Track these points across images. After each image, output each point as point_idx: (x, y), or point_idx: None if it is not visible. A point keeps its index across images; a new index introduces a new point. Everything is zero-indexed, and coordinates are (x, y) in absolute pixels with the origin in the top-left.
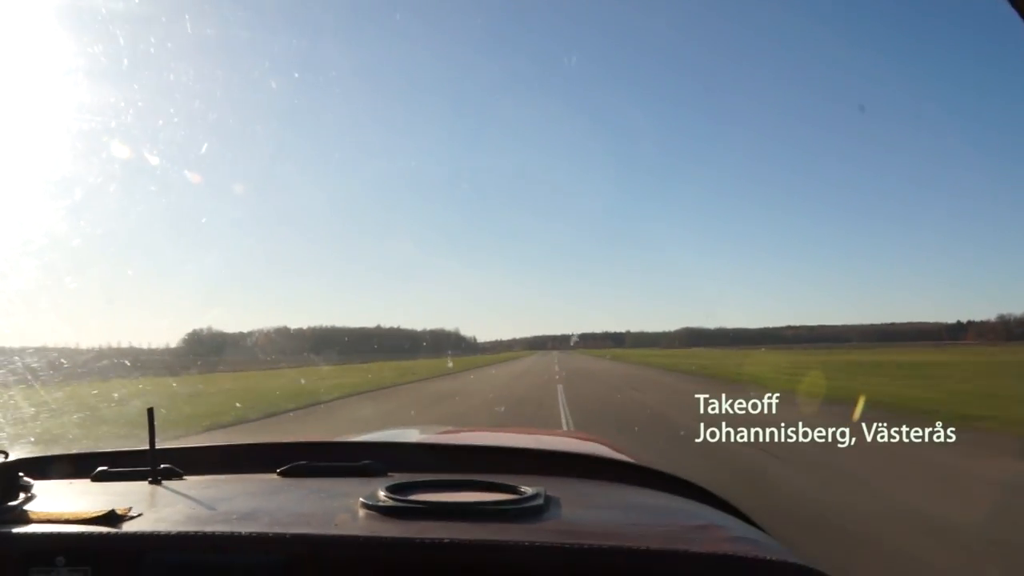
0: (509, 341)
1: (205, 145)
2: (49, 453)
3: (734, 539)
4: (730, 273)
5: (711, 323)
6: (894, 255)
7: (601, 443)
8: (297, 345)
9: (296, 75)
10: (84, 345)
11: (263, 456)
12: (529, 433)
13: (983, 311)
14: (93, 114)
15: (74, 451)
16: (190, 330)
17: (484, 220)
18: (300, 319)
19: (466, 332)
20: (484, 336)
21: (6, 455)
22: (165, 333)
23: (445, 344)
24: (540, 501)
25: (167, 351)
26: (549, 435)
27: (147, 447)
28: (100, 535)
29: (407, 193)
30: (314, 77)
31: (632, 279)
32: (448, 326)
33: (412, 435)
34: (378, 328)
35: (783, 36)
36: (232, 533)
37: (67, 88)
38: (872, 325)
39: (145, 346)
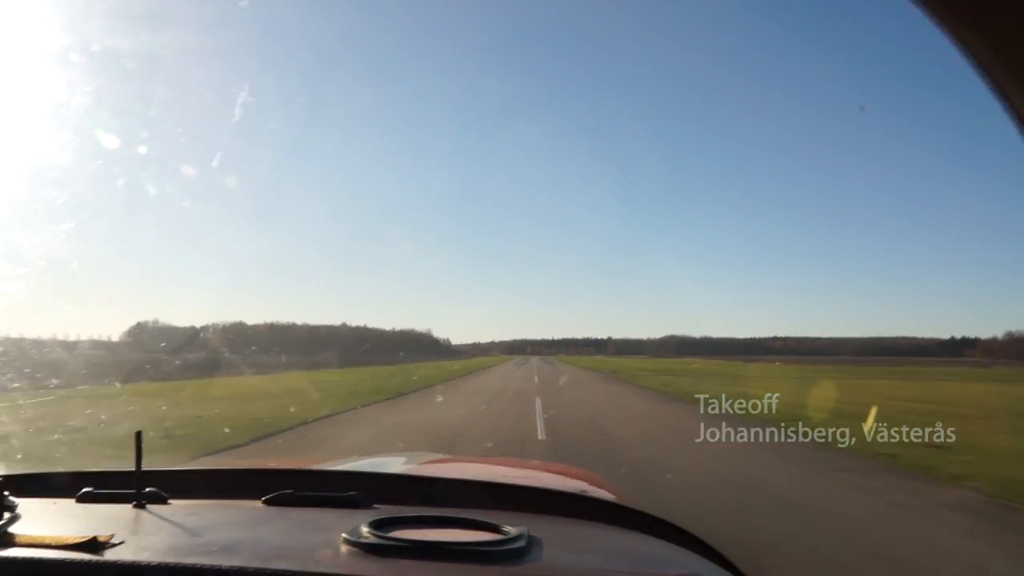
0: (486, 344)
1: (165, 133)
2: (35, 471)
3: None
4: (718, 280)
5: (697, 331)
6: (889, 266)
7: (587, 478)
8: (253, 343)
9: (276, 66)
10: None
11: (248, 482)
12: (516, 466)
13: (984, 327)
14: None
15: (59, 470)
16: (134, 323)
17: (463, 219)
18: (257, 314)
19: (439, 334)
20: (459, 338)
21: None
22: (107, 325)
23: (416, 346)
24: (522, 543)
25: (108, 344)
26: (536, 468)
27: (134, 468)
28: (82, 563)
29: (380, 187)
30: (298, 69)
31: (616, 284)
32: (420, 327)
33: (398, 464)
34: (343, 327)
35: (774, 47)
36: (212, 567)
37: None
38: (865, 339)
39: (83, 337)
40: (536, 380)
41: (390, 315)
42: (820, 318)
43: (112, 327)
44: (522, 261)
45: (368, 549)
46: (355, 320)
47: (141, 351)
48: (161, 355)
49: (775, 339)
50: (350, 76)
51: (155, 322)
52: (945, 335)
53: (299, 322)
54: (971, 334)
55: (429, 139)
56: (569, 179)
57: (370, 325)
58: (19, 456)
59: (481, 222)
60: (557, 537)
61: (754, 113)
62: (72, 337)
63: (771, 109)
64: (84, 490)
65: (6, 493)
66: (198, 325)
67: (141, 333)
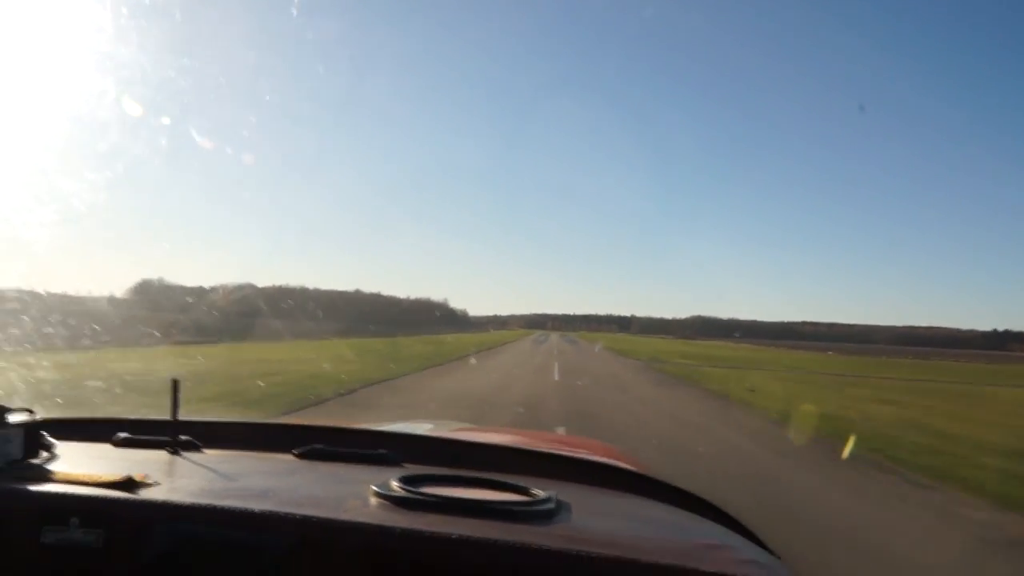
0: (506, 317)
1: (182, 94)
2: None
3: (744, 562)
4: (747, 262)
5: (724, 313)
6: (926, 253)
7: (618, 453)
8: (261, 307)
9: (311, 37)
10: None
11: (281, 436)
12: (546, 438)
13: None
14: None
15: (98, 415)
16: (139, 280)
17: (487, 189)
18: (267, 276)
19: (457, 304)
20: (477, 310)
21: (32, 413)
22: (109, 282)
23: (430, 316)
24: (551, 505)
25: (111, 300)
26: (565, 440)
27: (169, 418)
28: (116, 500)
29: (403, 152)
30: (325, 36)
31: (642, 261)
32: (436, 296)
33: (427, 429)
34: (357, 293)
35: (811, 32)
36: (245, 509)
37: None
38: (900, 327)
39: (85, 293)
40: (556, 376)
41: (406, 283)
42: (852, 304)
43: (114, 284)
44: (546, 233)
45: (397, 502)
46: (369, 286)
47: (146, 310)
48: (169, 315)
49: (805, 324)
50: (378, 43)
51: (160, 280)
52: (987, 326)
53: (310, 286)
54: (1016, 327)
55: (455, 108)
56: (598, 152)
57: (385, 292)
58: None
59: (505, 192)
60: (584, 502)
61: (788, 94)
62: (82, 293)
63: (805, 91)
64: (121, 435)
65: (44, 433)
66: (207, 286)
67: (146, 291)
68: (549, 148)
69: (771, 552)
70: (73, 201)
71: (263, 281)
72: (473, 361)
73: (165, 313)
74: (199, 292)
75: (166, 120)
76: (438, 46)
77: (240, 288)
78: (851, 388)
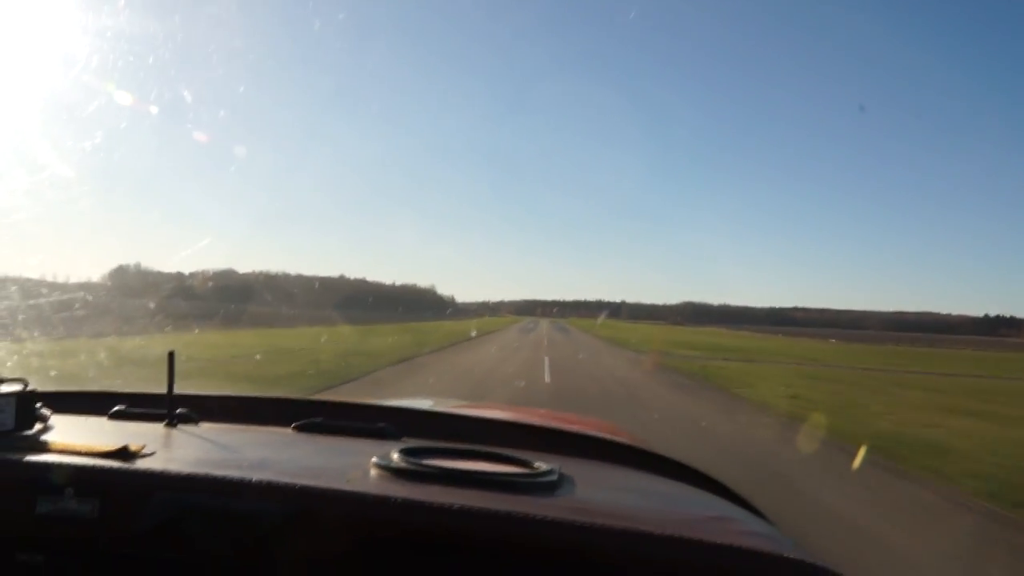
0: (496, 303)
1: (159, 78)
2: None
3: (748, 533)
4: (738, 247)
5: (715, 299)
6: (915, 240)
7: (614, 428)
8: (244, 292)
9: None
10: None
11: (280, 410)
12: (548, 416)
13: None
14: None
15: (93, 389)
16: (115, 266)
17: (474, 172)
18: (248, 262)
19: (444, 290)
20: (466, 296)
21: (26, 384)
22: (87, 267)
23: (417, 303)
24: (554, 477)
25: (86, 286)
26: (565, 418)
27: (166, 391)
28: (111, 469)
29: (385, 132)
30: (311, 24)
31: (632, 246)
32: (422, 282)
33: (428, 405)
34: (341, 279)
35: (806, 19)
36: (242, 479)
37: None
38: (889, 312)
39: (61, 279)
40: (547, 377)
41: (394, 269)
42: (842, 290)
43: (89, 271)
44: (536, 220)
45: (398, 473)
46: (353, 272)
47: (123, 296)
48: (146, 302)
49: (796, 310)
50: (362, 24)
51: (137, 266)
52: (976, 312)
53: (292, 271)
54: (1008, 312)
55: (442, 88)
56: (590, 138)
57: (370, 278)
58: None
59: (493, 176)
60: (587, 475)
61: (777, 81)
62: (60, 279)
63: (797, 76)
64: (116, 408)
65: (38, 405)
66: (186, 271)
67: (122, 277)
68: (541, 133)
69: (773, 525)
70: (47, 188)
71: (244, 267)
72: (450, 353)
73: (141, 300)
74: (178, 278)
75: (145, 106)
76: (423, 25)
77: (221, 274)
78: (900, 390)
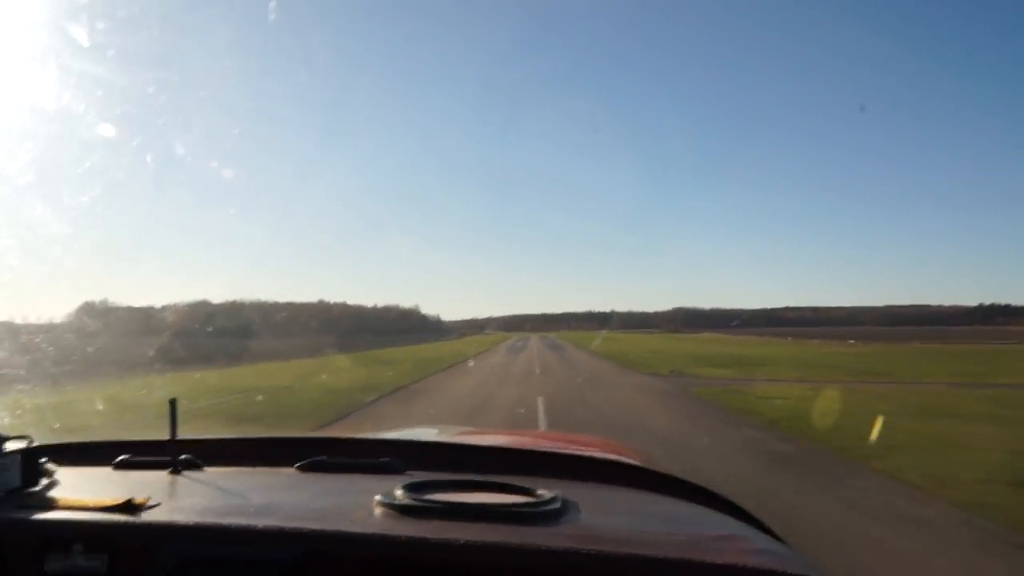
0: (484, 320)
1: (122, 106)
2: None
3: (758, 551)
4: (726, 249)
5: (706, 303)
6: (904, 230)
7: (622, 449)
8: (215, 324)
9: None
10: None
11: (283, 450)
12: (549, 437)
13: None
14: None
15: (96, 439)
16: (81, 303)
17: (455, 186)
18: (222, 291)
19: (429, 309)
20: (452, 314)
21: (30, 440)
22: (52, 307)
23: (401, 324)
24: (557, 505)
25: (49, 327)
26: (569, 439)
27: (168, 438)
28: (118, 523)
29: (361, 149)
30: (286, 42)
31: (619, 255)
32: (405, 302)
33: (430, 434)
34: (320, 304)
35: (793, 24)
36: (249, 526)
37: None
38: (881, 307)
39: (24, 320)
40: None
41: (376, 290)
42: (833, 286)
43: (53, 311)
44: (519, 232)
45: (403, 511)
46: (333, 296)
47: (90, 335)
48: (116, 339)
49: (788, 309)
50: (338, 40)
51: (104, 302)
52: (970, 301)
53: (267, 299)
54: (1001, 300)
55: (422, 98)
56: (571, 143)
57: (350, 301)
58: None
59: (475, 191)
60: (591, 501)
61: (766, 84)
62: (28, 320)
63: (781, 81)
64: (120, 457)
65: (43, 460)
66: (157, 305)
67: (89, 314)
68: (522, 146)
69: (782, 541)
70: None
71: (217, 297)
72: (402, 402)
73: (112, 338)
74: (148, 312)
75: (106, 134)
76: (398, 39)
77: (194, 306)
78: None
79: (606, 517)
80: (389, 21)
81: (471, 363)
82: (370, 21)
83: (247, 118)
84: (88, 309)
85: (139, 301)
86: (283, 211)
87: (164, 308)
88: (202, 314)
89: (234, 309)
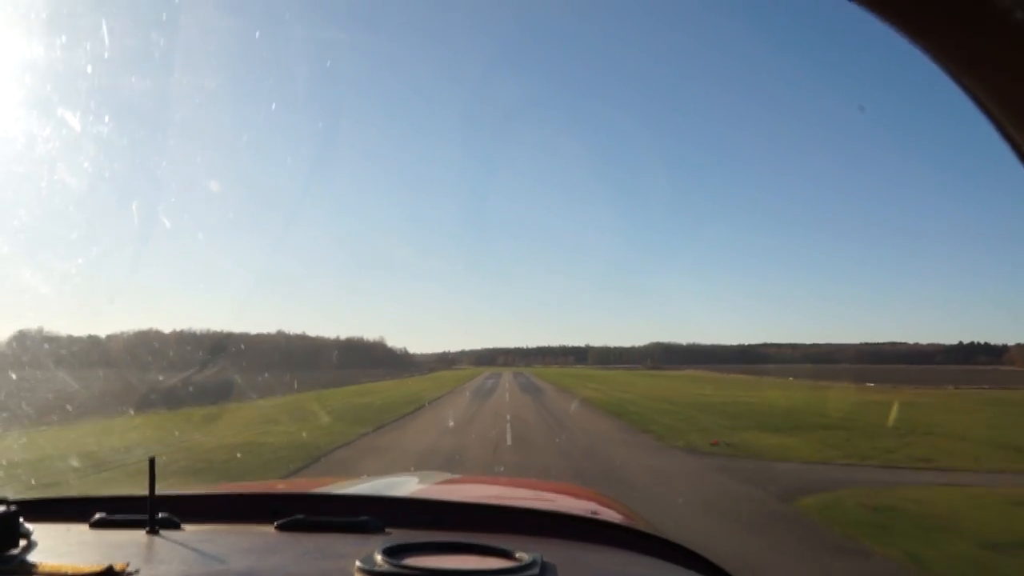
0: (455, 354)
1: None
2: (48, 496)
3: None
4: (704, 284)
5: (683, 338)
6: (882, 268)
7: (602, 500)
8: (169, 354)
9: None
10: None
11: (261, 506)
12: (527, 487)
13: (1000, 332)
14: None
15: (73, 495)
16: (15, 331)
17: (427, 217)
18: (172, 321)
19: (395, 342)
20: (421, 347)
21: (8, 503)
22: None
23: (364, 358)
24: (535, 571)
25: None
26: (547, 489)
27: (147, 493)
28: None
29: (329, 177)
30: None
31: (596, 289)
32: (369, 335)
33: (411, 484)
34: (279, 334)
35: (769, 51)
36: None
37: None
38: (858, 344)
39: None
40: None
41: (335, 322)
42: (812, 323)
43: None
44: (493, 265)
45: None
46: (292, 327)
47: (25, 368)
48: (50, 373)
49: (766, 345)
50: (299, 70)
51: (39, 331)
52: (949, 340)
53: (220, 329)
54: (980, 339)
55: (386, 124)
56: (546, 176)
57: (310, 333)
58: None
59: (448, 220)
60: (571, 563)
61: (745, 113)
62: None
63: (763, 109)
64: (97, 516)
65: (21, 520)
66: (102, 335)
67: (22, 343)
68: (497, 176)
69: None
70: None
71: (167, 326)
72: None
73: (48, 371)
74: (92, 342)
75: (45, 150)
76: (365, 72)
77: (141, 335)
78: None
79: None
80: (355, 56)
81: (435, 407)
82: (335, 52)
83: (202, 146)
84: (22, 338)
85: (80, 330)
86: (240, 241)
87: (109, 337)
88: (151, 342)
89: (187, 339)
